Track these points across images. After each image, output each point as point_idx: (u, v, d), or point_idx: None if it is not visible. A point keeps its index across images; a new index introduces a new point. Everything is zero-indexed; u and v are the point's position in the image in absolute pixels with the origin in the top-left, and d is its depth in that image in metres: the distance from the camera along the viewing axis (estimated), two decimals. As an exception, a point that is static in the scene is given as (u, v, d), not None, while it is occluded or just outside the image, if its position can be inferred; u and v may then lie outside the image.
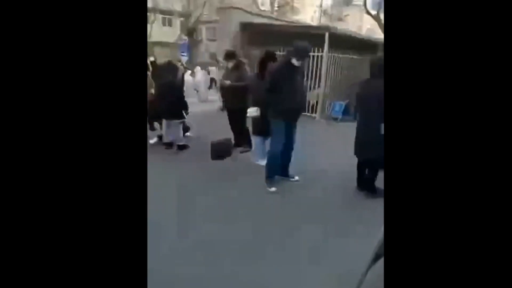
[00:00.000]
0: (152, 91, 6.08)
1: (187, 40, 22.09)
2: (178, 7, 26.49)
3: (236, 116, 4.68)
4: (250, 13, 8.84)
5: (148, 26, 25.73)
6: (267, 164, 3.68)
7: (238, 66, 4.56)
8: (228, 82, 4.49)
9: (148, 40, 25.70)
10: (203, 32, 29.09)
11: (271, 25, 9.33)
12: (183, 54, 21.76)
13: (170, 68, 4.83)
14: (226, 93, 4.67)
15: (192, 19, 23.20)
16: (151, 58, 6.42)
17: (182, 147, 4.89)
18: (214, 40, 28.68)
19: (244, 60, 5.21)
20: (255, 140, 4.25)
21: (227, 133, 4.89)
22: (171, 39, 26.79)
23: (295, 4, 35.56)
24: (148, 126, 6.10)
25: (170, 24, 30.01)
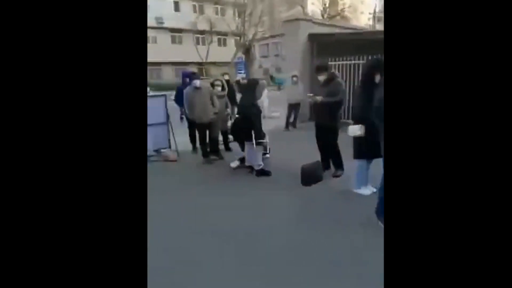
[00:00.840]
0: (228, 110, 5.69)
1: (243, 58, 22.23)
2: (232, 27, 27.09)
3: (327, 135, 4.05)
4: (318, 23, 8.23)
5: (205, 47, 26.60)
6: (380, 196, 2.94)
7: (330, 80, 3.95)
8: (319, 97, 3.89)
9: (205, 60, 26.61)
10: (256, 49, 29.33)
11: (341, 34, 8.63)
12: (240, 71, 22.01)
13: (253, 85, 4.38)
14: (317, 109, 4.07)
15: (248, 37, 23.42)
16: (226, 77, 6.14)
17: (262, 173, 4.33)
18: (266, 57, 28.85)
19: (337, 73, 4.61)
20: (357, 163, 3.55)
21: (303, 154, 4.34)
22: (226, 58, 27.43)
23: (346, 13, 34.47)
24: (223, 147, 5.79)
25: (225, 44, 30.83)
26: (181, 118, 5.95)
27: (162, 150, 5.68)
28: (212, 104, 4.98)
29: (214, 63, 28.57)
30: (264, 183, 4.14)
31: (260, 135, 4.30)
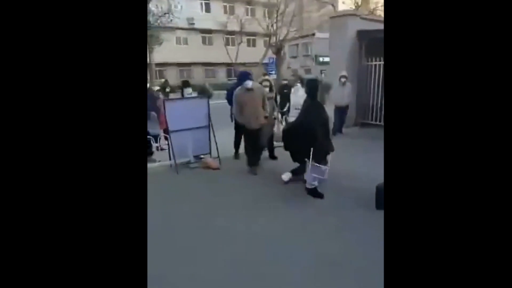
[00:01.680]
0: (275, 113, 5.07)
1: (275, 58, 21.60)
2: (262, 27, 26.58)
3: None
4: (367, 19, 7.45)
5: (235, 48, 26.24)
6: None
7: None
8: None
9: (235, 61, 26.26)
10: (286, 50, 28.65)
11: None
12: (271, 72, 21.45)
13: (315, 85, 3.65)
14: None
15: (279, 37, 22.79)
16: (266, 77, 5.53)
17: (313, 194, 3.62)
18: (295, 57, 28.10)
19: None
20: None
21: (361, 168, 3.65)
22: (255, 59, 26.94)
23: (378, 11, 32.98)
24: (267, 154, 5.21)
25: (254, 45, 30.38)
26: (232, 118, 5.42)
27: (201, 156, 5.17)
28: (263, 107, 4.39)
29: (243, 64, 28.19)
30: (319, 202, 3.49)
31: (324, 155, 3.60)
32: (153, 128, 5.57)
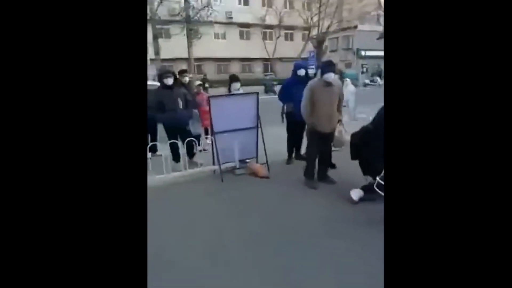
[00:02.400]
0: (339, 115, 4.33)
1: (315, 52, 20.54)
2: (301, 20, 25.50)
3: None
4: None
5: (273, 42, 25.43)
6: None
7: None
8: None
9: (272, 56, 25.49)
10: (339, 42, 27.41)
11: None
12: (311, 66, 20.48)
13: None
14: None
15: (321, 29, 21.65)
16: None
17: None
18: (335, 51, 26.73)
19: None
20: None
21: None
22: (293, 54, 25.99)
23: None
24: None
25: (292, 39, 29.38)
26: (282, 117, 4.74)
27: (247, 160, 4.54)
28: (338, 108, 3.62)
29: (280, 59, 27.35)
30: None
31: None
32: (194, 127, 5.04)
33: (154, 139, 5.54)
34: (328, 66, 3.50)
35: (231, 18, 25.85)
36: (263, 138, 4.41)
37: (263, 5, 27.08)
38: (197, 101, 5.46)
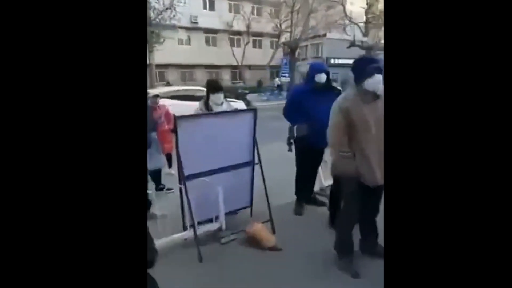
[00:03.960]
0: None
1: (287, 59, 19.26)
2: (268, 27, 24.33)
3: None
4: None
5: (241, 49, 23.98)
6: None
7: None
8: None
9: (241, 63, 24.00)
10: (308, 50, 26.47)
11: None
12: (284, 75, 19.13)
13: None
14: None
15: (295, 36, 20.50)
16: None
17: None
18: (319, 57, 25.74)
19: None
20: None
21: None
22: (262, 61, 24.70)
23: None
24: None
25: (260, 46, 28.12)
26: (290, 144, 3.07)
27: (237, 211, 2.86)
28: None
29: (249, 66, 25.95)
30: None
31: None
32: (153, 160, 3.22)
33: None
34: (370, 65, 1.94)
35: (196, 23, 23.97)
36: (263, 177, 2.74)
37: (230, 10, 25.56)
38: (153, 119, 3.66)
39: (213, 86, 2.79)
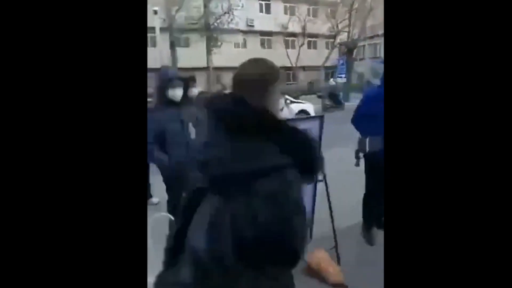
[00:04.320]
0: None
1: (344, 59, 18.33)
2: (324, 28, 23.49)
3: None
4: None
5: (295, 50, 23.53)
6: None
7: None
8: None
9: (295, 65, 23.56)
10: (366, 50, 25.21)
11: None
12: (340, 76, 18.27)
13: None
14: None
15: (353, 35, 19.51)
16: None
17: None
18: (377, 58, 24.32)
19: None
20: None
21: None
22: (317, 62, 23.95)
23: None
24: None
25: (315, 47, 27.35)
26: (359, 159, 2.67)
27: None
28: None
29: (303, 68, 25.39)
30: None
31: None
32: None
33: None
34: None
35: (253, 26, 24.14)
36: (328, 196, 2.38)
37: (286, 12, 25.24)
38: None
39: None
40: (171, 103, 2.48)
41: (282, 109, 2.51)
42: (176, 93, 2.47)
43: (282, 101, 2.52)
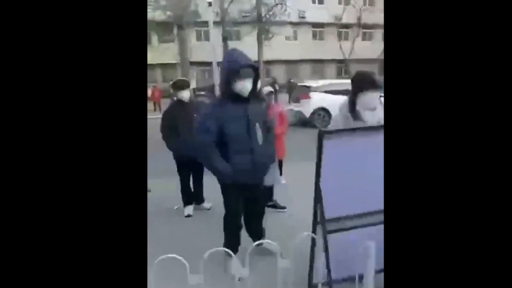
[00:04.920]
0: None
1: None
2: (382, 18, 21.59)
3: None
4: None
5: (349, 42, 22.05)
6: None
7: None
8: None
9: (348, 57, 22.14)
10: None
11: None
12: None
13: None
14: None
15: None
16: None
17: None
18: None
19: None
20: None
21: None
22: (372, 55, 22.22)
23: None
24: None
25: (370, 39, 25.44)
26: None
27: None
28: None
29: (357, 60, 23.78)
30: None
31: None
32: (271, 175, 2.54)
33: (199, 186, 3.30)
34: None
35: (304, 17, 23.10)
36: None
37: (340, 2, 23.73)
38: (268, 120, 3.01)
39: (367, 80, 1.90)
40: (238, 98, 1.97)
41: (375, 109, 1.91)
42: (245, 85, 1.94)
43: (376, 96, 1.88)
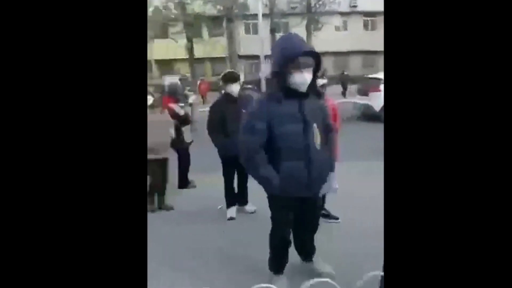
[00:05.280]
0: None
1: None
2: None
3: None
4: None
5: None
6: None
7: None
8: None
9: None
10: None
11: None
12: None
13: None
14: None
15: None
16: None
17: None
18: None
19: None
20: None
21: None
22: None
23: None
24: None
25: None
26: None
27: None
28: None
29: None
30: None
31: None
32: (329, 184, 2.19)
33: (243, 189, 3.08)
34: None
35: (355, 6, 21.74)
36: None
37: (396, -12, 21.93)
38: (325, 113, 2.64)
39: None
40: (292, 92, 1.65)
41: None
42: (305, 77, 1.59)
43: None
